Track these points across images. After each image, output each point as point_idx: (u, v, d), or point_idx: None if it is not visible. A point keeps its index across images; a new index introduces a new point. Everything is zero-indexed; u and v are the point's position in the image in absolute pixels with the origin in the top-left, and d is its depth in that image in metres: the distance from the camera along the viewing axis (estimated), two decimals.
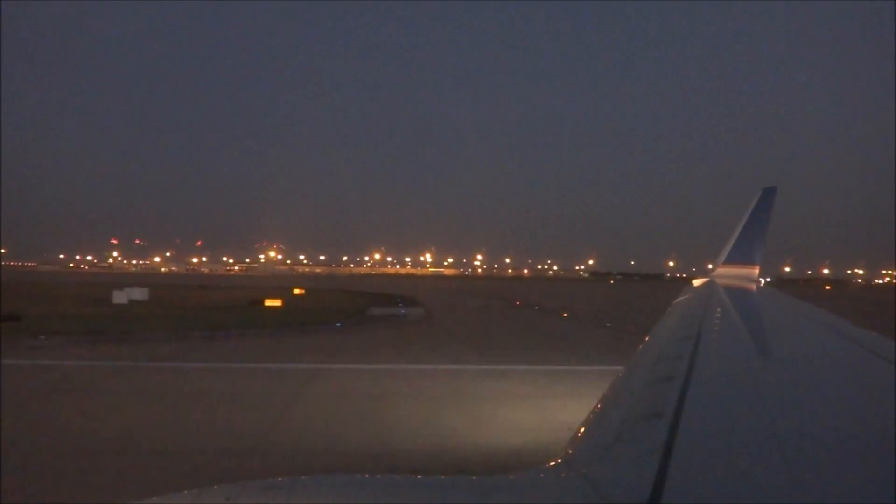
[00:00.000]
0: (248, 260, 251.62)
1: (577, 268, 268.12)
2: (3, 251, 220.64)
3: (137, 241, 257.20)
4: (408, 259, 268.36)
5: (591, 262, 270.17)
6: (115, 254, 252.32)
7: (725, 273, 9.82)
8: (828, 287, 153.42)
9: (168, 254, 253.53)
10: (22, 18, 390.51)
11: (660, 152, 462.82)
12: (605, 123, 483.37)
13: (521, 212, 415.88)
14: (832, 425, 2.20)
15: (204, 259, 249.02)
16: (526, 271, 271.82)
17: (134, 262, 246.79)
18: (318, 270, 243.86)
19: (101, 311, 39.99)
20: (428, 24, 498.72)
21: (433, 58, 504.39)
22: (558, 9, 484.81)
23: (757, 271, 9.79)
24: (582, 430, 2.26)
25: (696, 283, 9.89)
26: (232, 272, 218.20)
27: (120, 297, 47.93)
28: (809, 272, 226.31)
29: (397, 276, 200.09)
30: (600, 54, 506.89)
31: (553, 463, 1.92)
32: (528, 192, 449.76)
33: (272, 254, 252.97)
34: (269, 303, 48.50)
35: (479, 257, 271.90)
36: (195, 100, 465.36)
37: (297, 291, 68.47)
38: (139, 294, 50.40)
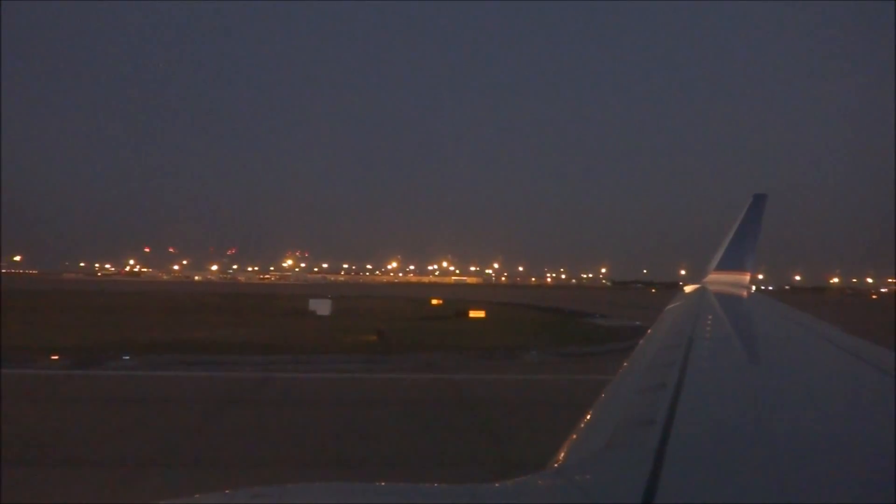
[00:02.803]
0: (252, 268, 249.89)
1: (598, 276, 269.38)
2: (18, 259, 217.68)
3: (171, 250, 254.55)
4: (432, 267, 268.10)
5: (603, 270, 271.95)
6: (131, 261, 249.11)
7: (717, 279, 9.90)
8: (874, 297, 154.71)
9: (185, 262, 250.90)
10: (46, 22, 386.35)
11: (664, 158, 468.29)
12: (595, 130, 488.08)
13: (527, 221, 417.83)
14: (823, 431, 2.20)
15: (215, 267, 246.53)
16: (549, 279, 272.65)
17: (145, 269, 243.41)
18: (341, 278, 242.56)
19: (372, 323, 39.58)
20: (448, 32, 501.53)
21: (432, 66, 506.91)
22: (572, 12, 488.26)
23: (748, 277, 9.91)
24: (574, 436, 2.24)
25: (688, 289, 9.94)
26: (267, 280, 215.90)
27: (323, 309, 48.01)
28: (834, 280, 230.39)
29: (426, 285, 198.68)
30: (600, 63, 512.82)
31: (545, 470, 1.91)
32: (533, 201, 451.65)
33: (289, 262, 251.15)
34: (472, 314, 48.77)
35: (496, 265, 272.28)
36: (202, 107, 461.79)
37: (435, 302, 68.62)
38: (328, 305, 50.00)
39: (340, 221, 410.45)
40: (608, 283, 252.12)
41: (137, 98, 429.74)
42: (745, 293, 8.85)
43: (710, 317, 6.03)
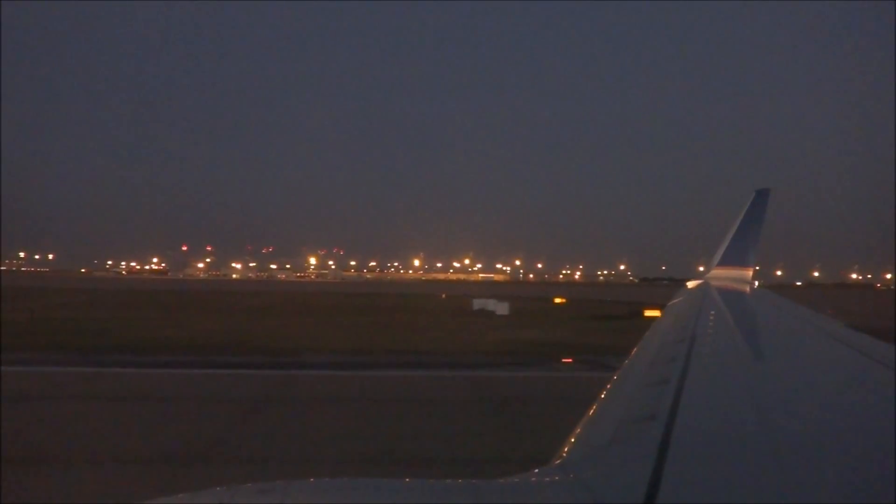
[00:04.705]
0: (272, 265, 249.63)
1: (616, 272, 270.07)
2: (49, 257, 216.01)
3: (209, 248, 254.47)
4: (457, 265, 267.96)
5: (622, 266, 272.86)
6: (155, 260, 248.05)
7: (719, 275, 9.86)
8: None
9: (208, 259, 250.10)
10: (77, 27, 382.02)
11: (671, 156, 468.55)
12: (600, 127, 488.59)
13: (534, 219, 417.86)
14: (826, 427, 2.19)
15: (238, 266, 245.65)
16: (577, 276, 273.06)
17: (160, 268, 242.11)
18: (367, 276, 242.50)
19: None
20: (475, 30, 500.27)
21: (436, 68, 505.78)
22: (590, 11, 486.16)
23: (751, 273, 9.85)
24: (577, 432, 2.24)
25: (691, 284, 9.95)
26: (304, 279, 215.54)
27: (501, 309, 48.44)
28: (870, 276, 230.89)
29: (458, 283, 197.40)
30: (606, 59, 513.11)
31: (548, 466, 1.93)
32: (541, 199, 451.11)
33: (313, 260, 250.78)
34: (647, 313, 49.22)
35: (517, 262, 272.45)
36: (213, 104, 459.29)
37: (558, 300, 68.96)
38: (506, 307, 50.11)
39: (358, 218, 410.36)
40: (635, 280, 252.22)
41: (152, 99, 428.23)
42: (747, 288, 8.89)
43: (712, 312, 6.02)
